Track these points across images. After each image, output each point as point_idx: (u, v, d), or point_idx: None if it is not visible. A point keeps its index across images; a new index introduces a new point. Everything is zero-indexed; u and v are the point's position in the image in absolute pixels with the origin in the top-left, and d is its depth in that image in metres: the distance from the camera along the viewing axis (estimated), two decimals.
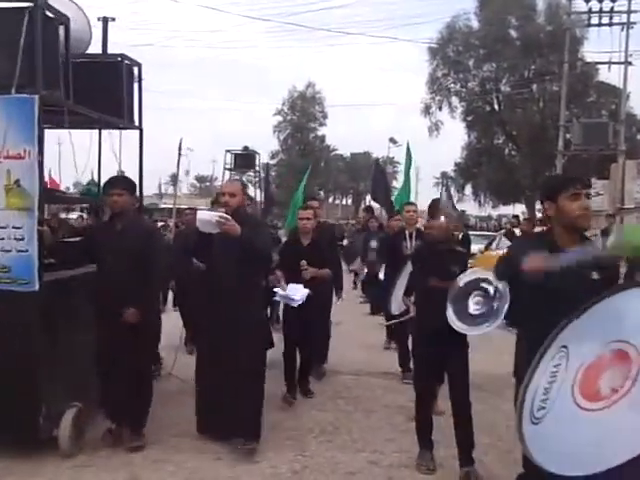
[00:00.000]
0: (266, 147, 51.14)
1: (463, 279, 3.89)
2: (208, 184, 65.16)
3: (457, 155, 34.96)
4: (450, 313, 3.84)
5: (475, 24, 31.02)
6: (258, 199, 15.47)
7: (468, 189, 35.67)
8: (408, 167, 11.01)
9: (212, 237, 4.26)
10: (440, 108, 32.19)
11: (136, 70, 5.69)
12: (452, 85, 32.41)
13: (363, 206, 59.90)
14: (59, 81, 4.40)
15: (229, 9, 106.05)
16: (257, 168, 21.21)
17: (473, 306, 3.81)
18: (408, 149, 11.62)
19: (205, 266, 4.70)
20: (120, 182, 4.46)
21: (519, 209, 35.98)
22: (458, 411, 3.94)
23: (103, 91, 5.19)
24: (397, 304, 5.31)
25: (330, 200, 62.11)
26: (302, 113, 50.78)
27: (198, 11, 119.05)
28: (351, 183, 63.71)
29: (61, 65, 4.44)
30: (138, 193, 5.64)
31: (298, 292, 5.25)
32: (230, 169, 21.09)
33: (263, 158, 43.33)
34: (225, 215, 4.15)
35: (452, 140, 40.84)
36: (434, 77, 31.94)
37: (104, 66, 5.40)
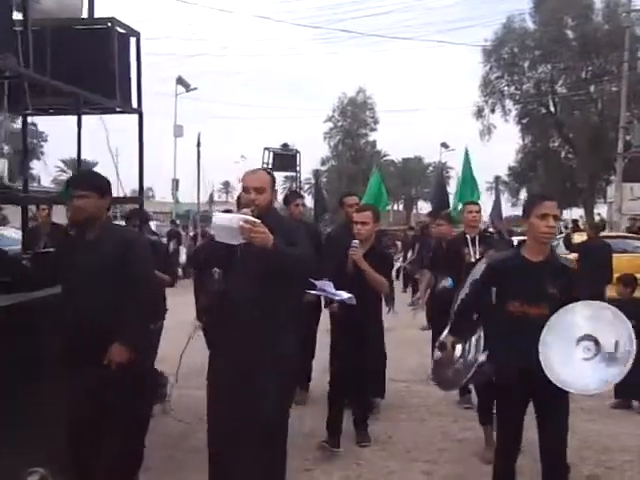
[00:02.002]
0: (317, 154, 51.48)
1: (580, 310, 3.01)
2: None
3: (510, 159, 34.33)
4: (548, 352, 2.95)
5: (530, 25, 30.48)
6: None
7: (523, 194, 34.94)
8: (468, 171, 10.86)
9: (231, 251, 3.11)
10: (493, 111, 31.69)
11: (134, 41, 4.69)
12: (506, 87, 31.86)
13: (415, 212, 59.42)
14: (11, 44, 3.69)
15: (281, 17, 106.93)
16: (298, 168, 19.88)
17: (582, 352, 2.96)
18: (467, 154, 11.51)
19: (220, 289, 3.32)
20: (85, 180, 3.46)
21: (577, 213, 35.06)
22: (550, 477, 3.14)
23: (89, 65, 4.26)
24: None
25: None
26: (353, 119, 50.84)
27: (250, 20, 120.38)
28: (403, 188, 63.28)
29: (18, 27, 3.79)
30: (138, 192, 5.03)
31: (334, 290, 4.18)
32: (270, 169, 19.69)
33: (314, 165, 43.83)
34: (252, 218, 2.97)
35: (505, 144, 40.22)
36: (487, 80, 31.45)
37: (90, 34, 4.40)
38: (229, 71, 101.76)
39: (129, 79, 4.68)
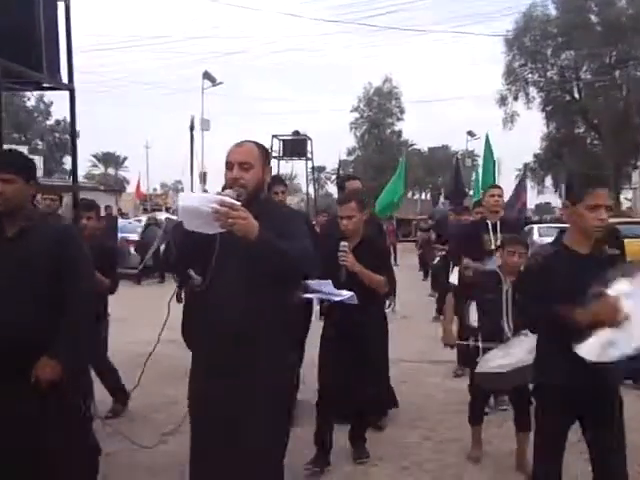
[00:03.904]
0: (344, 144, 51.82)
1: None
2: (288, 182, 66.45)
3: (535, 146, 34.37)
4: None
5: (553, 11, 30.44)
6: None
7: (548, 181, 34.98)
8: (489, 158, 11.19)
9: (208, 241, 2.46)
10: (516, 98, 31.78)
11: (62, 7, 4.07)
12: (530, 75, 31.88)
13: (442, 200, 59.40)
14: None
15: (304, 13, 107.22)
16: (309, 155, 18.87)
17: None
18: (487, 141, 11.84)
19: (198, 286, 2.66)
20: (8, 161, 2.79)
21: None
22: None
23: (8, 31, 3.64)
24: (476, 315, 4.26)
25: (409, 195, 61.91)
26: (379, 109, 50.96)
27: (275, 17, 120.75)
28: (429, 177, 63.23)
29: None
30: (71, 178, 4.59)
31: (334, 290, 3.68)
32: (278, 157, 18.63)
33: (341, 156, 44.03)
34: (229, 199, 2.30)
35: (529, 131, 40.14)
36: (510, 68, 31.54)
37: None
38: (255, 66, 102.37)
39: (57, 50, 4.03)
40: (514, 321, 3.81)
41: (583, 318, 2.51)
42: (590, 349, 2.51)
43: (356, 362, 3.90)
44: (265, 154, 2.67)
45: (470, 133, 55.69)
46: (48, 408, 2.64)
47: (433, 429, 4.76)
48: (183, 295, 4.83)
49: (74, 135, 4.62)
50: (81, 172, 53.45)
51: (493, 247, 5.01)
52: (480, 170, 12.92)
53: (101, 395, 4.68)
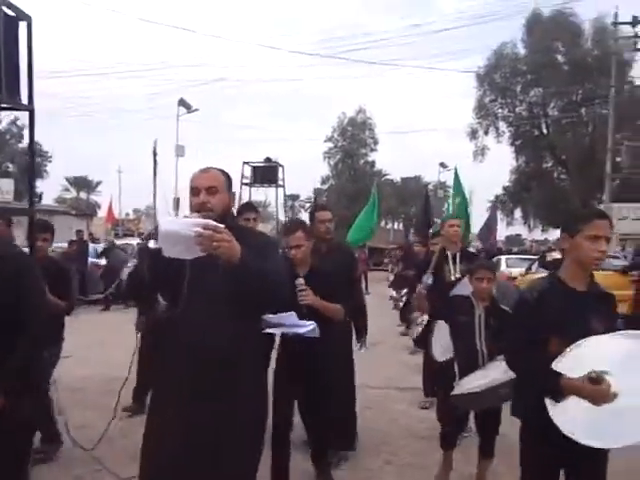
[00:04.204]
0: (319, 173, 52.25)
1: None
2: (261, 209, 66.71)
3: (505, 179, 35.14)
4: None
5: (522, 50, 31.41)
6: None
7: (517, 213, 35.68)
8: (459, 192, 11.45)
9: (178, 266, 2.43)
10: (487, 133, 32.57)
11: (24, 26, 4.06)
12: (499, 110, 32.74)
13: (413, 230, 60.05)
14: None
15: (282, 46, 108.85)
16: (280, 182, 18.64)
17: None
18: (456, 174, 12.14)
19: (167, 312, 2.66)
20: None
21: None
22: None
23: None
24: (442, 348, 4.32)
25: (382, 224, 62.50)
26: (352, 139, 51.62)
27: (253, 49, 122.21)
28: (402, 207, 63.91)
29: None
30: (29, 203, 4.47)
31: (296, 321, 3.54)
32: (249, 184, 18.62)
33: (315, 184, 44.23)
34: (213, 222, 2.29)
35: (499, 164, 41.06)
36: (481, 103, 32.35)
37: None
38: (231, 95, 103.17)
39: (17, 70, 4.00)
40: (488, 346, 3.82)
41: (576, 392, 2.41)
42: (570, 423, 2.39)
43: (310, 393, 3.82)
44: (229, 180, 2.67)
45: (442, 165, 56.62)
46: None
47: (395, 453, 4.87)
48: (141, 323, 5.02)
49: (33, 156, 4.62)
50: (53, 195, 53.04)
51: (453, 278, 5.01)
52: (450, 201, 13.20)
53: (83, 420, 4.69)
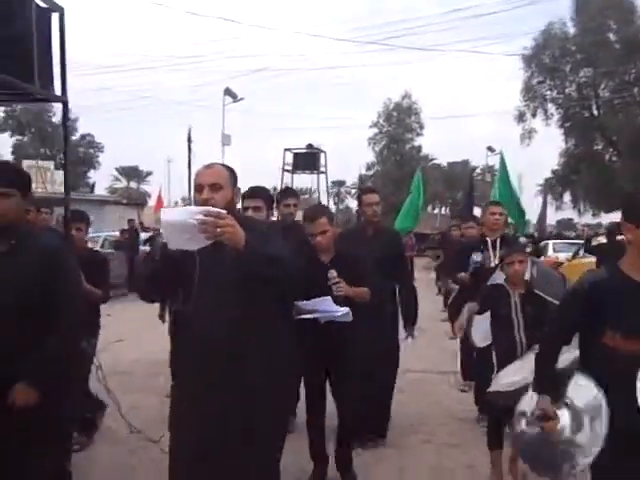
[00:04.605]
0: (363, 159, 52.24)
1: None
2: (307, 196, 67.11)
3: (553, 162, 34.44)
4: None
5: (571, 30, 30.60)
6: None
7: (567, 197, 34.95)
8: (504, 177, 11.32)
9: (190, 259, 2.46)
10: (534, 115, 31.90)
11: (56, 17, 4.00)
12: (548, 92, 32.01)
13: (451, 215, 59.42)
14: None
15: (324, 33, 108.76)
16: (322, 169, 18.15)
17: None
18: (502, 159, 12.06)
19: (184, 310, 2.65)
20: (3, 175, 2.68)
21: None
22: None
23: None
24: (482, 334, 4.22)
25: (429, 209, 62.06)
26: (398, 124, 51.32)
27: (292, 38, 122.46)
28: (449, 192, 63.30)
29: None
30: (64, 193, 4.39)
31: (332, 306, 3.53)
32: (290, 170, 18.31)
33: (360, 170, 44.05)
34: (215, 209, 2.31)
35: (547, 147, 40.18)
36: (529, 85, 31.68)
37: (1, 5, 3.64)
38: (274, 84, 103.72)
39: (50, 61, 3.97)
40: (527, 335, 3.73)
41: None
42: None
43: (340, 379, 3.82)
44: (233, 176, 2.67)
45: (490, 148, 55.75)
46: (25, 429, 2.60)
47: (433, 433, 5.02)
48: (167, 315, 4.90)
49: (67, 146, 4.57)
50: (104, 186, 54.53)
51: (492, 265, 4.86)
52: (496, 186, 13.10)
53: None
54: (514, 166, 11.98)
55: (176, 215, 2.32)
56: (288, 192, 4.95)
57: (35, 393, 2.59)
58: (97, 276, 4.31)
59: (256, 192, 3.90)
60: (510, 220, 10.28)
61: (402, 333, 4.83)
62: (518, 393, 3.23)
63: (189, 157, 27.48)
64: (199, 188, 2.57)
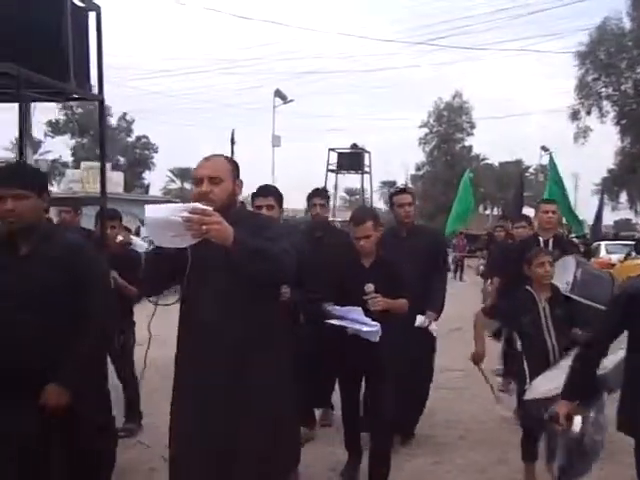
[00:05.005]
0: (413, 159, 52.02)
1: None
2: (357, 197, 67.16)
3: (609, 162, 33.57)
4: None
5: (628, 25, 29.78)
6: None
7: (623, 196, 34.02)
8: (554, 178, 11.18)
9: (183, 254, 2.34)
10: (589, 113, 31.17)
11: (93, 16, 4.01)
12: (603, 89, 31.23)
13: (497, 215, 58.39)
14: None
15: (372, 35, 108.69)
16: (367, 169, 18.22)
17: None
18: (551, 160, 11.95)
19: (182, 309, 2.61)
20: (18, 175, 2.65)
21: None
22: None
23: (36, 41, 3.58)
24: None
25: (480, 210, 61.21)
26: (448, 124, 50.86)
27: (339, 39, 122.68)
28: (500, 192, 62.26)
29: None
30: (100, 192, 4.33)
31: (362, 318, 3.48)
32: (334, 170, 18.35)
33: (409, 170, 43.77)
34: (200, 206, 2.20)
35: (603, 146, 39.14)
36: (583, 82, 30.99)
37: (38, 4, 3.67)
38: (322, 86, 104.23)
39: (87, 60, 3.98)
40: (558, 339, 3.62)
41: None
42: None
43: (373, 387, 3.77)
44: (235, 168, 2.57)
45: (543, 148, 54.60)
46: (56, 429, 2.65)
47: (469, 430, 5.10)
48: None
49: (103, 144, 4.55)
50: (159, 187, 55.87)
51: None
52: (547, 187, 12.94)
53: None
54: (569, 165, 11.90)
55: (160, 212, 2.19)
56: (314, 192, 4.89)
57: (67, 394, 2.61)
58: (130, 274, 4.27)
59: (268, 190, 3.80)
60: (565, 221, 10.19)
61: (420, 319, 4.50)
62: (554, 401, 3.17)
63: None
64: (198, 181, 2.48)
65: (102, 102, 4.18)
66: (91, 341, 2.70)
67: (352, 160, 17.86)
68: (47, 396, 2.60)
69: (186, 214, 2.13)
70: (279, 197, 3.85)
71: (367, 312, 3.51)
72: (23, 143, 3.70)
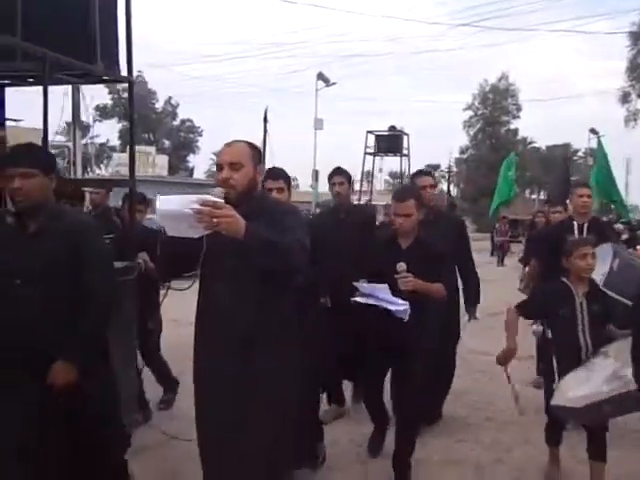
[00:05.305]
0: (457, 142, 51.43)
1: None
2: (399, 180, 66.78)
3: None
4: None
5: None
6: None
7: None
8: (603, 161, 10.94)
9: (196, 246, 2.34)
10: None
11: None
12: None
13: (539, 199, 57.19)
14: None
15: (418, 17, 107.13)
16: (405, 152, 17.80)
17: None
18: (599, 143, 11.73)
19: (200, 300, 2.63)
20: (27, 155, 2.71)
21: None
22: None
23: (61, 23, 3.63)
24: None
25: (526, 194, 60.09)
26: (494, 107, 50.02)
27: (381, 21, 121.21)
28: (547, 176, 61.00)
29: None
30: (129, 175, 4.32)
31: (389, 297, 3.41)
32: (372, 153, 18.13)
33: (453, 153, 43.09)
34: (211, 198, 2.21)
35: None
36: (635, 63, 30.08)
37: None
38: (367, 68, 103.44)
39: (115, 41, 3.97)
40: (592, 337, 3.44)
41: None
42: None
43: (401, 371, 3.72)
44: (257, 153, 2.59)
45: (593, 131, 53.20)
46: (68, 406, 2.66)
47: (497, 412, 5.18)
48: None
49: (132, 125, 4.56)
50: (203, 169, 56.64)
51: None
52: (594, 170, 12.65)
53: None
54: (620, 149, 11.59)
55: (172, 204, 2.20)
56: (335, 171, 4.75)
57: (74, 371, 2.62)
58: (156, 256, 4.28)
59: (278, 173, 3.79)
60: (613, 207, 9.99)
61: (463, 315, 4.66)
62: (592, 410, 3.09)
63: (264, 138, 27.49)
64: (219, 167, 2.52)
65: (131, 84, 4.21)
66: (93, 318, 2.72)
67: (390, 143, 17.79)
68: (54, 375, 2.61)
69: (197, 206, 2.14)
70: (288, 180, 3.88)
71: (398, 291, 3.44)
72: (46, 121, 3.66)
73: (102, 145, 48.61)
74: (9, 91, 4.46)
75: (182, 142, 56.05)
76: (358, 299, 3.48)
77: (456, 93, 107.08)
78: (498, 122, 50.14)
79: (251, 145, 2.60)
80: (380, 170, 64.72)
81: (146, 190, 5.40)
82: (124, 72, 4.13)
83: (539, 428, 4.31)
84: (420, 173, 4.85)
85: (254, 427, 2.48)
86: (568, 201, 5.85)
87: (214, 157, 66.47)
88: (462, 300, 4.81)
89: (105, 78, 4.18)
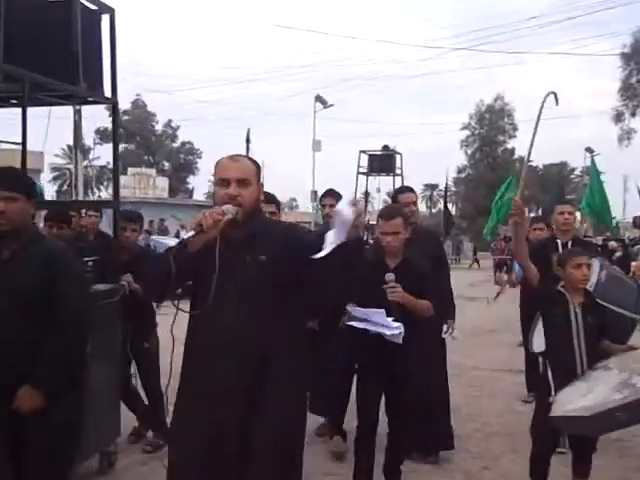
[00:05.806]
0: (454, 162, 51.87)
1: None
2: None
3: None
4: None
5: None
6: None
7: None
8: (595, 182, 11.16)
9: (211, 260, 2.25)
10: (633, 114, 30.76)
11: (106, 19, 3.94)
12: None
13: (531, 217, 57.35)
14: None
15: (417, 41, 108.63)
16: (399, 171, 17.77)
17: None
18: (593, 163, 12.01)
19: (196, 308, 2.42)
20: (7, 179, 2.70)
21: None
22: None
23: (44, 45, 3.59)
24: (541, 338, 3.77)
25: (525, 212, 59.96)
26: (490, 127, 50.52)
27: (380, 46, 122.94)
28: (544, 195, 61.45)
29: None
30: (113, 196, 4.25)
31: (384, 320, 3.34)
32: (365, 173, 17.97)
33: (450, 173, 43.43)
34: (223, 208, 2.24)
35: None
36: (627, 83, 30.62)
37: (46, 8, 3.70)
38: (364, 91, 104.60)
39: (99, 63, 3.94)
40: (588, 350, 3.35)
41: None
42: None
43: (394, 396, 3.61)
44: (259, 170, 2.46)
45: (588, 149, 53.68)
46: (29, 429, 2.61)
47: (488, 423, 5.36)
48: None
49: (116, 148, 4.43)
50: (203, 191, 56.98)
51: None
52: (587, 190, 12.82)
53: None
54: (618, 167, 11.81)
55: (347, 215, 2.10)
56: (326, 192, 4.75)
57: (40, 397, 2.57)
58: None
59: (270, 197, 3.66)
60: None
61: (443, 332, 4.44)
62: (603, 418, 2.92)
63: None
64: (225, 182, 2.33)
65: (115, 105, 4.19)
66: (64, 345, 2.66)
67: (383, 162, 17.85)
68: (20, 400, 2.57)
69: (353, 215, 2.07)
70: (278, 205, 3.87)
71: (389, 313, 3.37)
72: (24, 143, 3.65)
73: (102, 167, 48.98)
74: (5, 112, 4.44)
75: (182, 164, 56.48)
76: (352, 323, 3.45)
77: (454, 114, 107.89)
78: (495, 142, 50.58)
79: (254, 162, 2.50)
80: (378, 190, 65.09)
81: (147, 212, 5.56)
82: (108, 93, 4.15)
83: (527, 439, 4.47)
84: (404, 189, 4.76)
85: (261, 457, 2.30)
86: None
87: (212, 178, 67.06)
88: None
89: (89, 100, 4.18)
